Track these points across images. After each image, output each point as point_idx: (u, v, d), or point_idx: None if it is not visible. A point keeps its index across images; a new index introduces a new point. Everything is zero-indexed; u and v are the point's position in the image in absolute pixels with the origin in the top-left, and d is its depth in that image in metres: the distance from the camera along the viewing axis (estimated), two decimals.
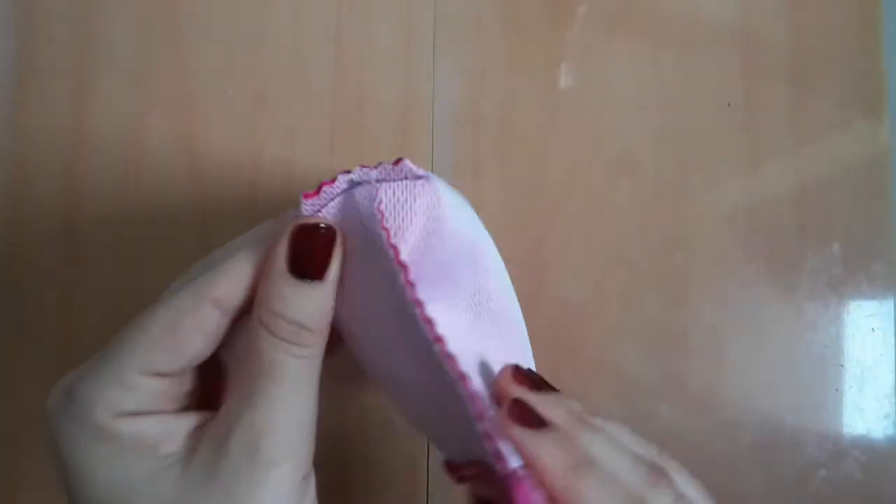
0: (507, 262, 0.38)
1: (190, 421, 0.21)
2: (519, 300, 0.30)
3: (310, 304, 0.21)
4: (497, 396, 0.22)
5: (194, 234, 0.38)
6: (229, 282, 0.22)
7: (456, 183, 0.38)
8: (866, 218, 0.39)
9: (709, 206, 0.39)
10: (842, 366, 0.38)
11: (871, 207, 0.39)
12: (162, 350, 0.21)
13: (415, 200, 0.21)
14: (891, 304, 0.39)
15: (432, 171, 0.39)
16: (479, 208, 0.38)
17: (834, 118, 0.40)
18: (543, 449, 0.20)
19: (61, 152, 0.38)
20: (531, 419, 0.20)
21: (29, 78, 0.38)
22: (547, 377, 0.25)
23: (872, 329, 0.38)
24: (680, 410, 0.37)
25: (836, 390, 0.38)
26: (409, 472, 0.36)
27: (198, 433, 0.21)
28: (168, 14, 0.39)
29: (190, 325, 0.21)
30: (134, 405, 0.21)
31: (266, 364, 0.20)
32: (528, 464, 0.20)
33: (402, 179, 0.22)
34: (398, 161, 0.21)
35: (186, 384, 0.23)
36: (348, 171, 0.22)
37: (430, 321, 0.20)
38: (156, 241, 0.37)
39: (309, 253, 0.21)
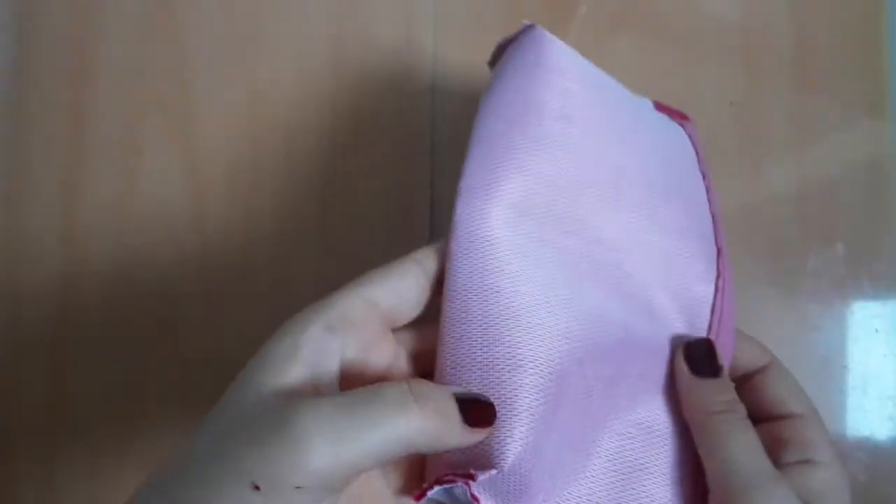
0: None
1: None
2: None
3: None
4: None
5: (193, 233, 0.38)
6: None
7: (457, 183, 0.38)
8: (869, 218, 0.39)
9: None
10: (845, 367, 0.38)
11: (875, 207, 0.39)
12: (379, 285, 0.23)
13: None
14: (894, 304, 0.38)
15: (432, 172, 0.38)
16: None
17: (837, 118, 0.39)
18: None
19: (60, 152, 0.38)
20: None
21: (28, 78, 0.38)
22: None
23: (876, 330, 0.38)
24: None
25: (840, 392, 0.38)
26: None
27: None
28: (167, 15, 0.39)
29: (401, 272, 0.24)
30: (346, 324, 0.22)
31: None
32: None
33: None
34: None
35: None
36: None
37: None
38: (155, 241, 0.37)
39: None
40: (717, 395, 0.25)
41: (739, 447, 0.24)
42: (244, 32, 0.39)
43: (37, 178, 0.38)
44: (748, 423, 0.25)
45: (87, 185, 0.38)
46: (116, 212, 0.38)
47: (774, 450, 0.25)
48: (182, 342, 0.37)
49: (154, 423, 0.37)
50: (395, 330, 0.25)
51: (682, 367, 0.26)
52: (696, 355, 0.26)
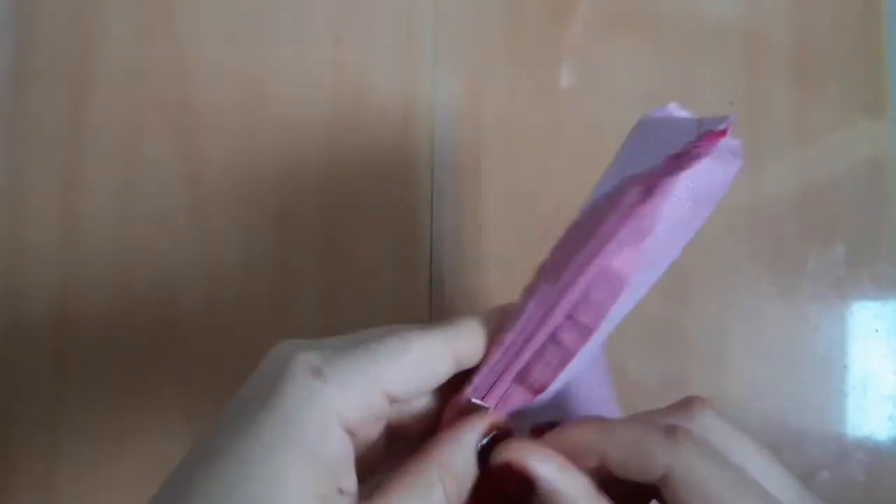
0: (508, 262, 0.38)
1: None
2: None
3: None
4: None
5: (193, 233, 0.38)
6: (470, 344, 0.21)
7: (456, 183, 0.38)
8: (869, 218, 0.39)
9: None
10: (845, 367, 0.38)
11: (875, 208, 0.39)
12: (406, 379, 0.20)
13: None
14: (894, 304, 0.38)
15: (433, 172, 0.38)
16: (479, 208, 0.38)
17: (837, 118, 0.39)
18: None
19: (60, 152, 0.38)
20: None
21: (28, 78, 0.38)
22: None
23: (876, 330, 0.38)
24: None
25: (840, 392, 0.38)
26: None
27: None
28: (167, 15, 0.39)
29: (431, 364, 0.20)
30: (360, 422, 0.19)
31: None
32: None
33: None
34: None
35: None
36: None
37: None
38: (154, 241, 0.37)
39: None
40: None
41: None
42: (244, 33, 0.39)
43: (37, 178, 0.38)
44: None
45: (87, 185, 0.38)
46: (116, 212, 0.38)
47: None
48: (182, 342, 0.37)
49: (154, 422, 0.37)
50: None
51: None
52: None
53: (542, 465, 0.20)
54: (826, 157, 0.39)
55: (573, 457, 0.20)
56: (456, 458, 0.20)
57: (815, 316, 0.38)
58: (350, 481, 0.19)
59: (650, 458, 0.19)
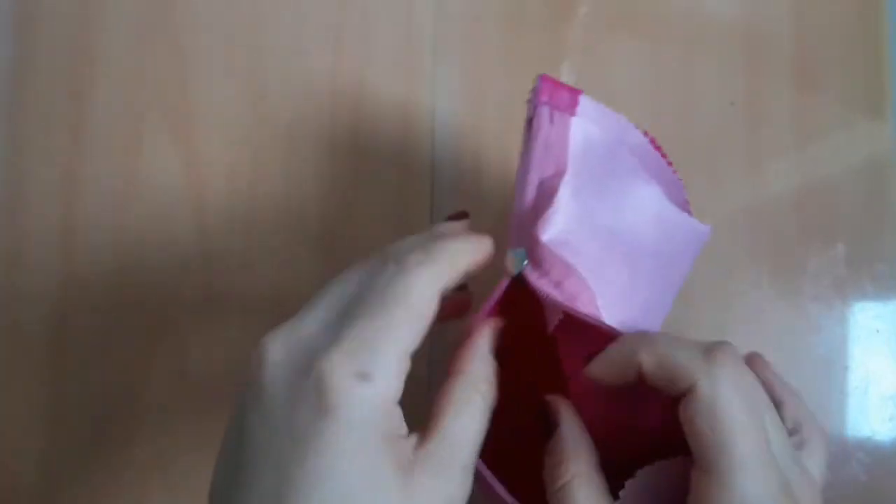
0: None
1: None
2: None
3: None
4: None
5: (193, 233, 0.38)
6: (453, 272, 0.23)
7: (457, 183, 0.38)
8: (870, 218, 0.39)
9: (711, 207, 0.38)
10: (846, 367, 0.38)
11: (875, 208, 0.39)
12: (419, 329, 0.21)
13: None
14: (895, 305, 0.38)
15: (433, 172, 0.38)
16: (480, 208, 0.38)
17: (837, 118, 0.39)
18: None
19: (59, 153, 0.38)
20: None
21: (28, 78, 0.38)
22: None
23: (877, 330, 0.38)
24: None
25: (840, 392, 0.38)
26: None
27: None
28: (167, 15, 0.39)
29: (431, 299, 0.22)
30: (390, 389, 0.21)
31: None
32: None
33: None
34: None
35: None
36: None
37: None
38: (155, 241, 0.37)
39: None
40: (550, 461, 0.22)
41: None
42: (244, 32, 0.39)
43: (37, 179, 0.38)
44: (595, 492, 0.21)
45: (88, 184, 0.38)
46: (116, 212, 0.38)
47: None
48: (183, 341, 0.37)
49: (155, 422, 0.36)
50: None
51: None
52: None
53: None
54: (826, 157, 0.39)
55: (616, 362, 0.22)
56: (479, 366, 0.23)
57: (816, 316, 0.38)
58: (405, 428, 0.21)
59: (681, 369, 0.20)
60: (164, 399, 0.37)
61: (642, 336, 0.22)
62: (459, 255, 0.23)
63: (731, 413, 0.19)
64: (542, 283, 0.24)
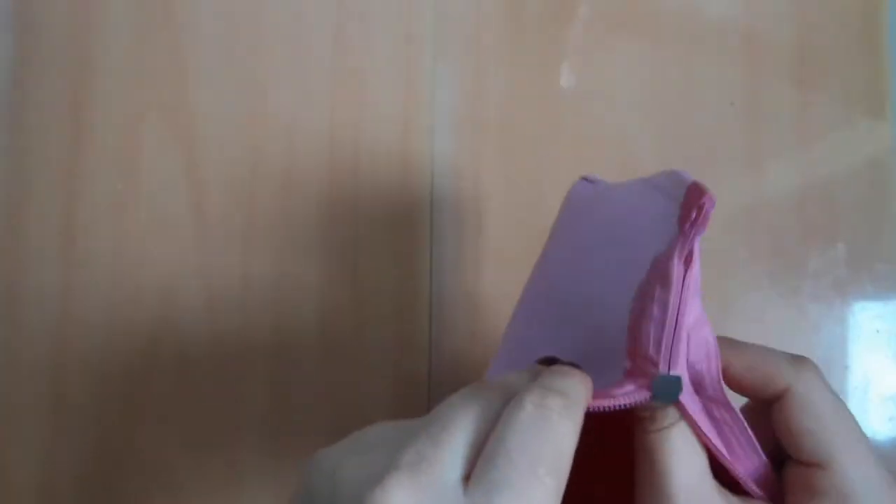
0: (509, 262, 0.38)
1: None
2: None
3: None
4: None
5: (192, 233, 0.38)
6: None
7: (457, 183, 0.38)
8: (870, 218, 0.39)
9: None
10: (846, 367, 0.38)
11: (875, 208, 0.39)
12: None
13: None
14: (895, 305, 0.38)
15: (433, 172, 0.38)
16: (480, 209, 0.38)
17: (838, 118, 0.39)
18: None
19: (60, 152, 0.38)
20: None
21: (28, 78, 0.38)
22: None
23: (877, 331, 0.38)
24: None
25: (841, 392, 0.37)
26: None
27: None
28: (167, 15, 0.39)
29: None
30: None
31: None
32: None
33: None
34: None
35: None
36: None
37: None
38: (153, 241, 0.37)
39: None
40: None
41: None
42: (243, 33, 0.39)
43: (37, 179, 0.38)
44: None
45: (87, 185, 0.38)
46: (116, 212, 0.38)
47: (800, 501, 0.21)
48: (182, 343, 0.37)
49: (155, 425, 0.36)
50: None
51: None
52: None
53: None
54: (826, 157, 0.39)
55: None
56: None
57: (816, 316, 0.38)
58: None
59: (776, 374, 0.22)
60: (164, 399, 0.37)
61: (730, 342, 0.23)
62: (586, 394, 0.20)
63: (830, 410, 0.21)
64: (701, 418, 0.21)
